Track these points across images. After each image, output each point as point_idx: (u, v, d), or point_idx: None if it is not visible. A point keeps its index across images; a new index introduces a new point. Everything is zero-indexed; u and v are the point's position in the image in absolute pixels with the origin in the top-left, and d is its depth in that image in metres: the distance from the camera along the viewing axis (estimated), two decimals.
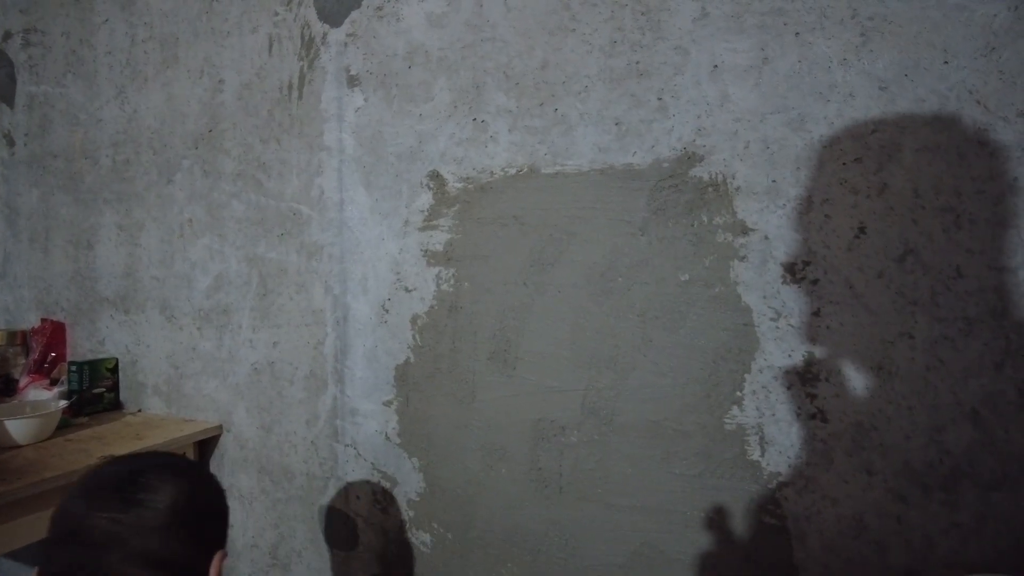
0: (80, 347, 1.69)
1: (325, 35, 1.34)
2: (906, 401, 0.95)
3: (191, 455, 1.46)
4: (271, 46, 1.41)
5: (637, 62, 1.08)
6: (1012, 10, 0.87)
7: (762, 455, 1.02)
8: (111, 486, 0.70)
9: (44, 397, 1.48)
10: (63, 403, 1.39)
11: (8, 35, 1.82)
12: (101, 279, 1.66)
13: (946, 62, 0.91)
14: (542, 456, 1.16)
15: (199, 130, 1.50)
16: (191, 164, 1.51)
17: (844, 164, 0.97)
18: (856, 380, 0.97)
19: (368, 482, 1.31)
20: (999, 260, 0.90)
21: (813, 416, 0.99)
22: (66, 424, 1.41)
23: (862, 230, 0.96)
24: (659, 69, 1.06)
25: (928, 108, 0.92)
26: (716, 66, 1.03)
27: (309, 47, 1.36)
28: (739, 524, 1.04)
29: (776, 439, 1.01)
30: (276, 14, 1.40)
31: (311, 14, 1.36)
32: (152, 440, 1.35)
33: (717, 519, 1.05)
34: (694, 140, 1.04)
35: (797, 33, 0.99)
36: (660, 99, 1.06)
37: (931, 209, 0.93)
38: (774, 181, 1.00)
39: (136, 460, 0.76)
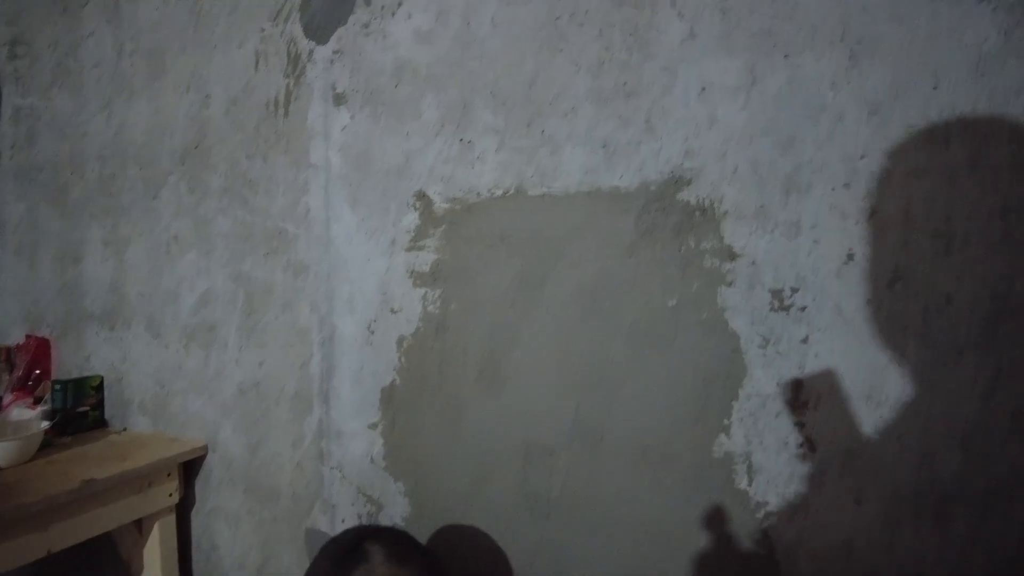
0: (66, 364, 1.68)
1: (311, 52, 1.33)
2: (896, 428, 0.93)
3: (177, 475, 1.44)
4: (257, 62, 1.39)
5: (624, 82, 1.06)
6: (1002, 34, 0.86)
7: (750, 484, 1.00)
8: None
9: (28, 416, 1.46)
10: (45, 424, 1.37)
11: None
12: (87, 294, 1.64)
13: (935, 86, 0.90)
14: (530, 478, 1.15)
15: (185, 145, 1.49)
16: (177, 179, 1.50)
17: (833, 188, 0.95)
18: (845, 407, 0.96)
19: (354, 505, 1.30)
20: (989, 286, 0.88)
21: (801, 444, 0.98)
22: (48, 444, 1.39)
23: (851, 256, 0.95)
24: (647, 89, 1.05)
25: (918, 132, 0.91)
26: (704, 87, 1.01)
27: (295, 63, 1.35)
28: (727, 552, 1.02)
29: (764, 467, 1.00)
30: (263, 30, 1.39)
31: (297, 30, 1.35)
32: (136, 461, 1.33)
33: (705, 546, 1.03)
34: (682, 163, 1.03)
35: (786, 55, 0.97)
36: (648, 120, 1.05)
37: (921, 234, 0.92)
38: (762, 205, 0.99)
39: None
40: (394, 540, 0.89)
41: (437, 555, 0.92)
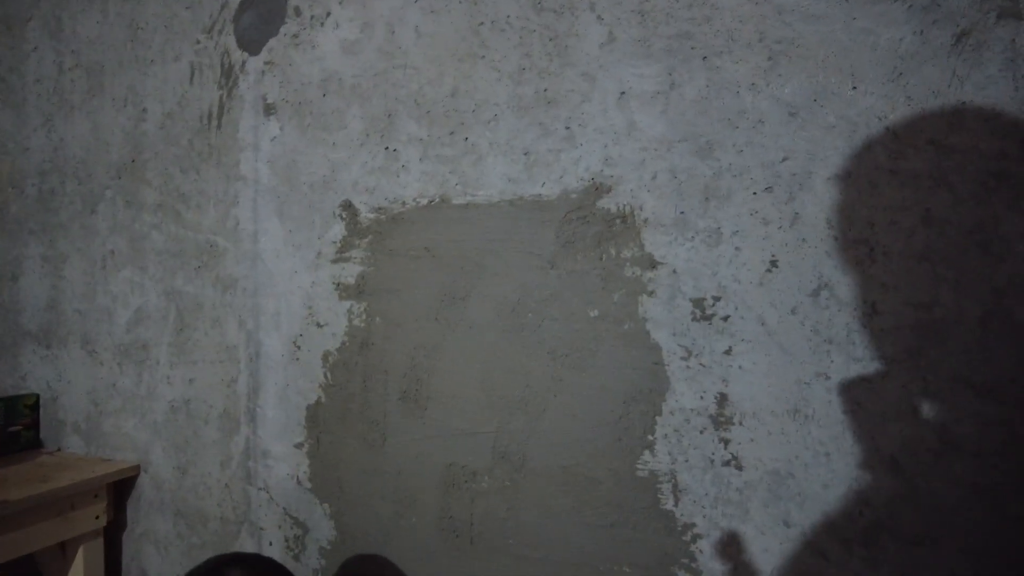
0: (2, 383, 1.63)
1: (244, 63, 1.31)
2: (823, 447, 0.88)
3: (105, 497, 1.38)
4: (193, 75, 1.37)
5: (545, 89, 1.03)
6: (917, 34, 0.83)
7: (675, 504, 0.95)
8: None
9: None
10: None
11: None
12: (24, 312, 1.60)
13: (855, 87, 0.87)
14: (453, 504, 1.09)
15: (122, 160, 1.46)
16: (114, 194, 1.47)
17: (755, 193, 0.92)
18: (771, 424, 0.91)
19: (280, 528, 1.24)
20: (914, 296, 0.84)
21: (727, 463, 0.93)
22: None
23: (774, 263, 0.91)
24: (566, 97, 1.02)
25: (838, 135, 0.88)
26: (623, 92, 0.98)
27: (229, 75, 1.32)
28: None
29: (690, 487, 0.94)
30: (198, 42, 1.37)
31: (231, 42, 1.33)
32: (58, 482, 1.28)
33: (630, 573, 0.98)
34: (601, 170, 0.99)
35: (705, 57, 0.94)
36: (568, 128, 1.02)
37: (844, 241, 0.88)
38: (682, 212, 0.95)
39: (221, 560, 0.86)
40: (253, 567, 0.84)
41: None
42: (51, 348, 1.56)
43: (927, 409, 0.83)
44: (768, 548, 0.91)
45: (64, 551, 1.36)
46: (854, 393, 0.87)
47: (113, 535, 1.44)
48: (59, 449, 1.54)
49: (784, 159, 0.90)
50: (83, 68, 1.52)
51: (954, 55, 0.82)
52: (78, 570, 1.35)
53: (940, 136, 0.83)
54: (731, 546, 0.92)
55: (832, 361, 0.88)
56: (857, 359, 0.87)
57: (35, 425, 1.54)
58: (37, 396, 1.55)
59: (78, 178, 1.53)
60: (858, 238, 0.87)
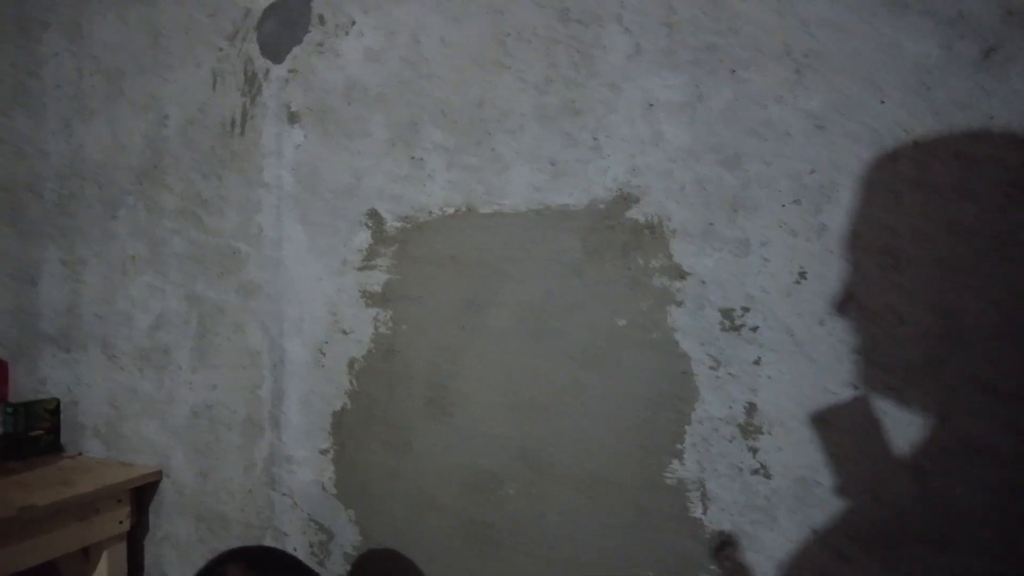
0: (21, 387, 1.64)
1: (267, 71, 1.32)
2: (849, 455, 0.90)
3: (128, 501, 1.39)
4: (215, 81, 1.38)
5: (572, 100, 1.04)
6: (944, 48, 0.84)
7: (704, 512, 0.96)
8: None
9: None
10: None
11: None
12: (43, 316, 1.61)
13: (882, 101, 0.88)
14: (476, 508, 1.10)
15: (143, 165, 1.47)
16: (135, 200, 1.48)
17: (782, 205, 0.93)
18: (799, 433, 0.92)
19: (304, 534, 1.25)
20: (939, 304, 0.85)
21: (756, 471, 0.94)
22: None
23: (802, 274, 0.92)
24: (593, 107, 1.03)
25: (864, 147, 0.89)
26: (651, 104, 1.00)
27: (252, 83, 1.33)
28: None
29: (718, 495, 0.96)
30: (220, 49, 1.37)
31: (254, 50, 1.33)
32: (81, 487, 1.29)
33: None
34: (629, 180, 1.01)
35: (732, 70, 0.96)
36: (595, 138, 1.03)
37: (871, 251, 0.89)
38: (711, 223, 0.96)
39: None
40: (256, 563, 0.84)
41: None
42: (70, 352, 1.57)
43: (951, 415, 0.85)
44: (794, 553, 0.92)
45: (87, 556, 1.37)
46: (879, 402, 0.88)
47: (135, 539, 1.45)
48: (80, 453, 1.55)
49: (811, 171, 0.92)
50: (103, 73, 1.52)
51: (982, 69, 0.83)
52: (101, 574, 1.36)
53: (965, 148, 0.84)
54: (759, 553, 0.94)
55: (859, 370, 0.89)
56: (883, 368, 0.88)
57: (55, 429, 1.55)
58: (57, 400, 1.56)
59: (98, 183, 1.53)
60: (884, 248, 0.88)
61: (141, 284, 1.47)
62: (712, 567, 0.96)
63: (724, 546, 0.95)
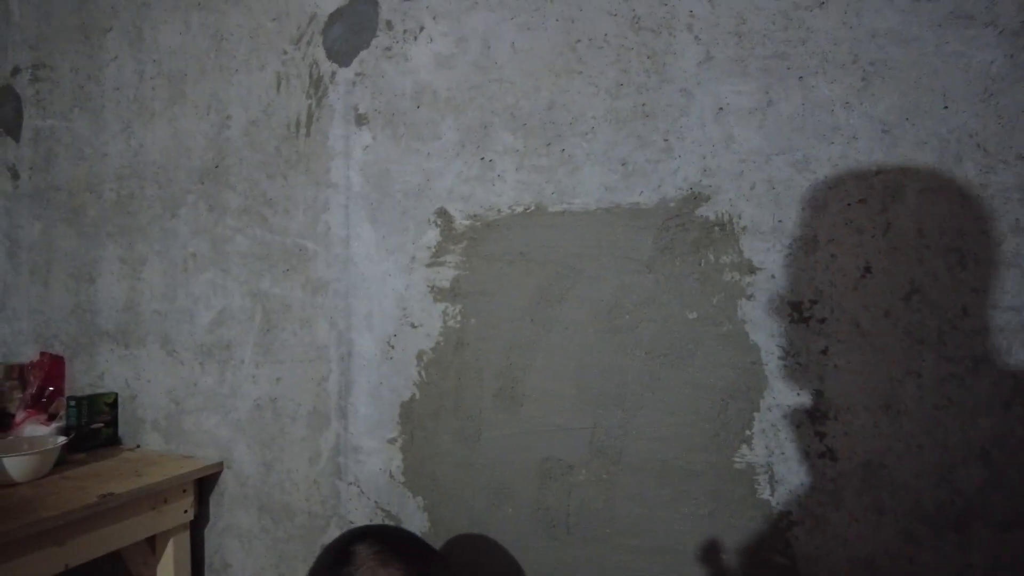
0: (78, 381, 1.67)
1: (334, 74, 1.36)
2: (915, 440, 0.95)
3: (191, 492, 1.43)
4: (279, 84, 1.43)
5: (643, 104, 1.10)
6: (1008, 57, 0.90)
7: (772, 494, 1.01)
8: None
9: (41, 433, 1.46)
10: (62, 439, 1.37)
11: (16, 70, 1.84)
12: (101, 312, 1.65)
13: (946, 107, 0.94)
14: (549, 496, 1.15)
15: (205, 165, 1.51)
16: (196, 199, 1.52)
17: (849, 204, 0.98)
18: (865, 418, 0.97)
19: (371, 520, 1.29)
20: (1004, 300, 0.91)
21: (823, 455, 0.99)
22: (62, 461, 1.38)
23: (868, 269, 0.97)
24: (664, 111, 1.08)
25: (930, 151, 0.94)
26: (721, 108, 1.05)
27: (317, 85, 1.38)
28: (749, 565, 1.02)
29: (786, 478, 1.01)
30: (285, 52, 1.42)
31: (320, 53, 1.38)
32: (151, 478, 1.33)
33: (727, 559, 1.04)
34: (700, 180, 1.06)
35: (800, 77, 1.01)
36: (666, 140, 1.08)
37: (936, 249, 0.94)
38: (780, 221, 1.01)
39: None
40: (384, 540, 0.86)
41: (446, 559, 0.89)
42: (129, 347, 1.61)
43: (1017, 404, 0.90)
44: (862, 535, 0.97)
45: (152, 545, 1.40)
46: (945, 389, 0.93)
47: (195, 529, 1.49)
48: (138, 446, 1.59)
49: (877, 172, 0.97)
50: (164, 76, 1.57)
51: None
52: (167, 563, 1.40)
53: None
54: (825, 533, 0.99)
55: (924, 360, 0.95)
56: (948, 358, 0.93)
57: (114, 422, 1.59)
58: (115, 394, 1.60)
59: (158, 182, 1.57)
60: (949, 246, 0.94)
61: (203, 281, 1.51)
62: (781, 546, 1.00)
63: (792, 526, 1.00)
